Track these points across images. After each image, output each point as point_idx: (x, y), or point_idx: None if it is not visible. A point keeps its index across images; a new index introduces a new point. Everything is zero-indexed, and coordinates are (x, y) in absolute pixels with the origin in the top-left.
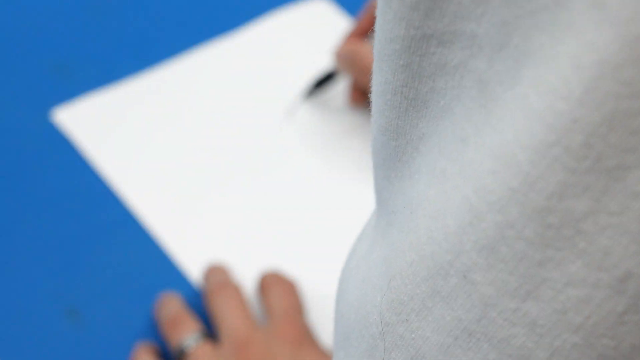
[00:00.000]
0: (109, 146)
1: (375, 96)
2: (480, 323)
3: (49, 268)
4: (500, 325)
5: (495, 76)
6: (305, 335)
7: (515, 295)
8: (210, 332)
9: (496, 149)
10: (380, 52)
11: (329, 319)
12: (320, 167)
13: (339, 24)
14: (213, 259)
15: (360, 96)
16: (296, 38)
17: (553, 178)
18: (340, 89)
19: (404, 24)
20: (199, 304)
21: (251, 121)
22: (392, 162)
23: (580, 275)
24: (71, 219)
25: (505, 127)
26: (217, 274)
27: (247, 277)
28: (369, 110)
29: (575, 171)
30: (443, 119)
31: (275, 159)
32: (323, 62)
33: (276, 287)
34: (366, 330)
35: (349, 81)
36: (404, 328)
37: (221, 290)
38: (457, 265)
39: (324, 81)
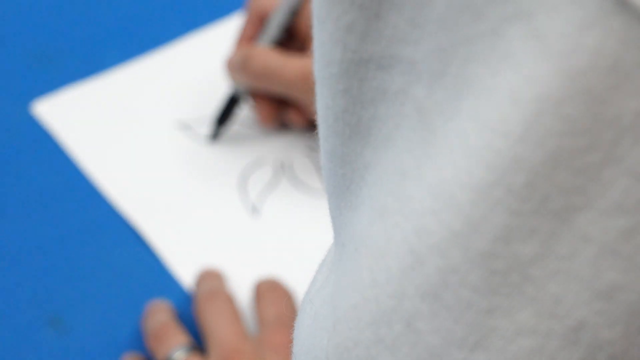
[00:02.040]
0: (93, 141)
1: (319, 120)
2: None
3: (29, 272)
4: None
5: (435, 106)
6: None
7: (462, 346)
8: (200, 344)
9: (436, 187)
10: (319, 74)
11: None
12: (317, 170)
13: None
14: (206, 264)
15: (270, 110)
16: None
17: (496, 221)
18: None
19: (340, 46)
20: (190, 312)
21: (244, 114)
22: (340, 190)
23: (530, 324)
24: (53, 220)
25: (444, 164)
26: (209, 281)
27: (243, 285)
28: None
29: (520, 214)
30: (385, 149)
31: (275, 157)
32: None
33: (270, 294)
34: None
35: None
36: None
37: (211, 299)
38: (400, 311)
39: (227, 112)
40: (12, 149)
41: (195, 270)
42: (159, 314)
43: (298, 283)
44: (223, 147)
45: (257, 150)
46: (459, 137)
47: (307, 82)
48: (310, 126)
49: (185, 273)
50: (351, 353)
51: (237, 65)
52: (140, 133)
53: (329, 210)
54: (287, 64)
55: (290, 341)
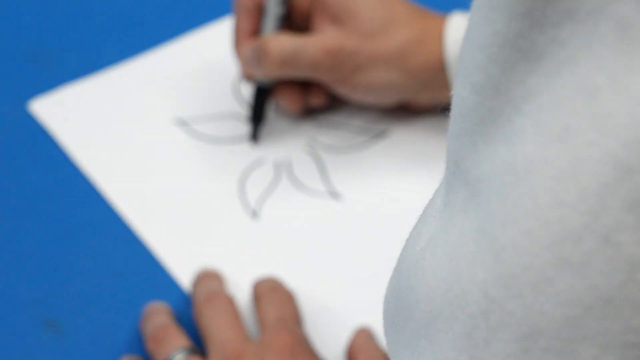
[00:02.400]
0: (90, 140)
1: (472, 50)
2: (624, 288)
3: (24, 272)
4: None
5: None
6: (300, 346)
7: None
8: (200, 347)
9: None
10: (492, 0)
11: (328, 329)
12: (320, 168)
13: None
14: (205, 264)
15: (296, 95)
16: None
17: None
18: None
19: None
20: (191, 314)
21: (244, 112)
22: (483, 125)
23: None
24: (50, 220)
25: None
26: (208, 282)
27: (242, 287)
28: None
29: None
30: (561, 74)
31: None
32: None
33: (270, 295)
34: (461, 310)
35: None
36: (515, 304)
37: (211, 301)
38: (596, 227)
39: (260, 104)
40: (9, 148)
41: (194, 272)
42: (157, 316)
43: (299, 284)
44: (223, 147)
45: (256, 150)
46: None
47: (332, 58)
48: (332, 104)
49: (184, 274)
50: (519, 280)
51: (255, 59)
52: (138, 132)
53: (448, 154)
54: (306, 45)
55: (293, 343)
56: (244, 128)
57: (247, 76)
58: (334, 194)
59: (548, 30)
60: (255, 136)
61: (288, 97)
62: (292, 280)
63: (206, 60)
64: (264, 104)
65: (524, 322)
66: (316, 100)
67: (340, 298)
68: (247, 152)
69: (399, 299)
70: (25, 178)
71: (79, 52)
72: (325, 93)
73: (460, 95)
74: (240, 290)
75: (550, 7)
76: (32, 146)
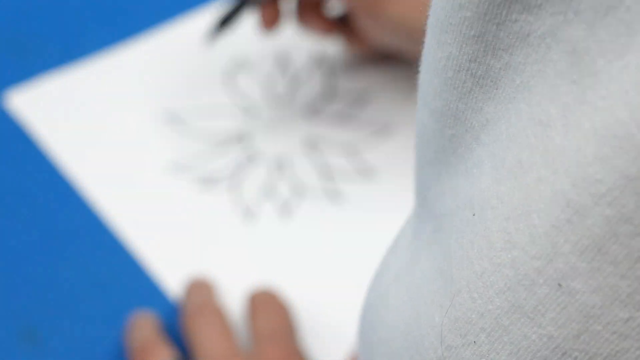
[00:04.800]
0: (71, 136)
1: (428, 75)
2: (580, 339)
3: (1, 280)
4: (607, 339)
5: (595, 46)
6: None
7: (628, 303)
8: None
9: (603, 131)
10: (443, 22)
11: (326, 341)
12: (320, 167)
13: None
14: (195, 272)
15: (275, 15)
16: None
17: None
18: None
19: None
20: (179, 325)
21: (234, 105)
22: (445, 155)
23: None
24: (27, 224)
25: (614, 105)
26: (198, 293)
27: (235, 296)
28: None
29: None
30: (516, 101)
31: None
32: None
33: (264, 307)
34: (419, 356)
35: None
36: (470, 352)
37: (200, 311)
38: (548, 272)
39: (229, 16)
40: None
41: (183, 280)
42: (143, 328)
43: (296, 292)
44: (214, 143)
45: (252, 147)
46: (635, 73)
47: None
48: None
49: (172, 283)
50: (475, 326)
51: None
52: (123, 127)
53: (415, 183)
54: None
55: (286, 357)
56: (237, 122)
57: None
58: (334, 195)
59: (502, 55)
60: (213, 37)
61: (267, 14)
62: (289, 289)
63: (195, 49)
64: (238, 13)
65: None
66: (351, 39)
67: (340, 308)
68: (241, 149)
69: (363, 335)
70: (0, 178)
71: (58, 40)
72: (359, 38)
73: (421, 121)
74: (233, 300)
75: (502, 30)
76: (8, 143)
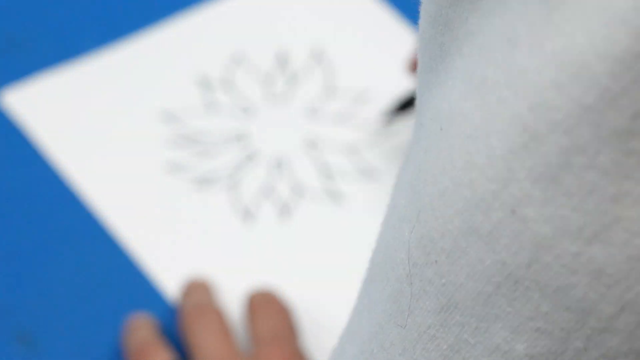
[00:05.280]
0: (67, 135)
1: None
2: (531, 269)
3: None
4: (557, 272)
5: None
6: None
7: (578, 237)
8: None
9: (562, 56)
10: None
11: (328, 343)
12: (317, 171)
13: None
14: (193, 273)
15: None
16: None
17: (638, 95)
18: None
19: None
20: (177, 328)
21: (233, 104)
22: (435, 62)
23: None
24: (22, 224)
25: (575, 30)
26: (196, 294)
27: (234, 297)
28: None
29: None
30: (494, 15)
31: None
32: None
33: (265, 308)
34: (392, 271)
35: None
36: (433, 271)
37: (199, 314)
38: (503, 197)
39: (408, 103)
40: None
41: (181, 281)
42: (140, 330)
43: (296, 294)
44: (212, 143)
45: (250, 146)
46: (599, 0)
47: None
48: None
49: (170, 283)
50: (436, 245)
51: None
52: (120, 126)
53: (417, 90)
54: None
55: (287, 359)
56: (235, 121)
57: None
58: (334, 195)
59: None
60: (388, 123)
61: None
62: (289, 290)
63: (195, 47)
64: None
65: (441, 292)
66: None
67: (342, 309)
68: (240, 149)
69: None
70: None
71: (54, 38)
72: None
73: (421, 24)
74: (232, 302)
75: None
76: (3, 142)
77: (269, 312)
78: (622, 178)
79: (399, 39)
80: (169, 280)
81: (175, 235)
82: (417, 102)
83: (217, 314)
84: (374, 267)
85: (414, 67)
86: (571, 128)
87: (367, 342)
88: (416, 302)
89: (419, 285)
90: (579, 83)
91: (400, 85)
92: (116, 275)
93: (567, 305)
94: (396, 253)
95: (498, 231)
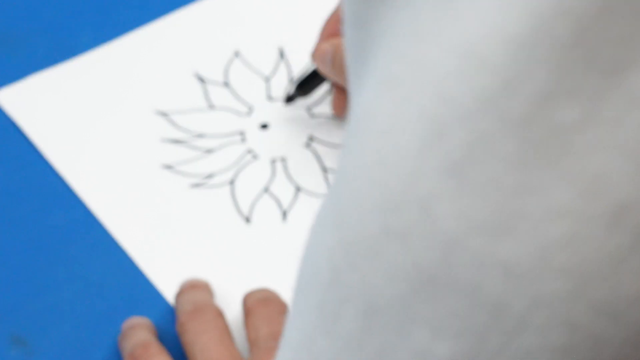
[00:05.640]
0: (63, 134)
1: None
2: (443, 268)
3: None
4: (468, 269)
5: None
6: None
7: (485, 232)
8: None
9: (461, 46)
10: None
11: None
12: (321, 167)
13: None
14: (191, 274)
15: (345, 104)
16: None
17: (535, 80)
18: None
19: None
20: (174, 330)
21: (231, 104)
22: (358, 62)
23: (565, 204)
24: (17, 224)
25: (471, 20)
26: (194, 294)
27: (232, 298)
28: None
29: (563, 71)
30: (401, 10)
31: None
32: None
33: (262, 309)
34: (316, 279)
35: (332, 88)
36: (354, 276)
37: (197, 314)
38: (413, 194)
39: (306, 82)
40: None
41: (179, 282)
42: (137, 333)
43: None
44: (210, 142)
45: (249, 146)
46: None
47: None
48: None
49: (167, 285)
50: (354, 248)
51: (326, 58)
52: (116, 126)
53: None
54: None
55: None
56: (234, 121)
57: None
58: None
59: None
60: (291, 99)
61: (338, 102)
62: (288, 291)
63: (193, 44)
64: (314, 82)
65: (363, 296)
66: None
67: None
68: (239, 148)
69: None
70: None
71: (49, 36)
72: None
73: (345, 27)
74: (230, 303)
75: None
76: None
77: (268, 313)
78: (523, 168)
79: None
80: (166, 281)
81: (173, 236)
82: (351, 101)
83: (214, 315)
84: (301, 275)
85: (314, 53)
86: (473, 119)
87: (297, 351)
88: (340, 308)
89: (342, 291)
90: (478, 71)
91: None
92: (113, 276)
93: (481, 304)
94: (320, 259)
95: (410, 230)
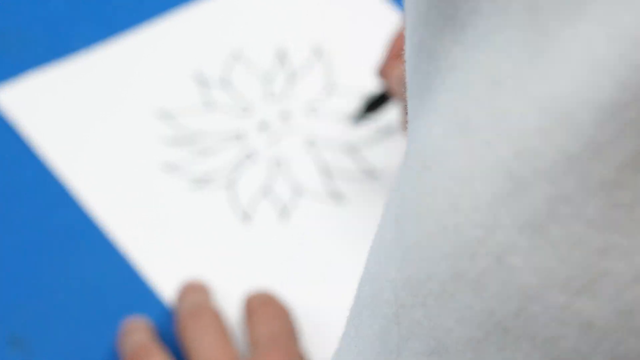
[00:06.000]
0: (61, 134)
1: (408, 6)
2: (519, 318)
3: None
4: (545, 322)
5: (550, 4)
6: None
7: (565, 288)
8: None
9: (546, 102)
10: None
11: (328, 346)
12: (317, 170)
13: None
14: (190, 275)
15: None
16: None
17: (625, 145)
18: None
19: None
20: (174, 331)
21: (231, 102)
22: (421, 90)
23: None
24: (15, 225)
25: (560, 76)
26: (193, 295)
27: (231, 300)
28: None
29: None
30: (477, 51)
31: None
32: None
33: (263, 310)
34: (379, 309)
35: (399, 105)
36: (421, 313)
37: (196, 316)
38: (489, 244)
39: (376, 104)
40: None
41: (178, 283)
42: (136, 334)
43: (295, 296)
44: (210, 142)
45: (248, 145)
46: (583, 45)
47: None
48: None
49: (166, 286)
50: (423, 287)
51: (399, 80)
52: (115, 125)
53: (407, 111)
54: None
55: None
56: (234, 121)
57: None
58: (334, 195)
59: None
60: (359, 119)
61: (403, 119)
62: (288, 292)
63: (192, 44)
64: (382, 104)
65: (430, 335)
66: None
67: (342, 312)
68: (238, 148)
69: None
70: None
71: (47, 35)
72: None
73: (406, 49)
74: (230, 304)
75: None
76: None
77: (268, 314)
78: (609, 230)
79: None
80: (166, 282)
81: (172, 236)
82: (408, 126)
83: (214, 317)
84: (360, 299)
85: (382, 72)
86: (556, 177)
87: None
88: (405, 343)
89: (407, 326)
90: (564, 131)
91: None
92: (111, 276)
93: (557, 357)
94: (382, 291)
95: (485, 278)
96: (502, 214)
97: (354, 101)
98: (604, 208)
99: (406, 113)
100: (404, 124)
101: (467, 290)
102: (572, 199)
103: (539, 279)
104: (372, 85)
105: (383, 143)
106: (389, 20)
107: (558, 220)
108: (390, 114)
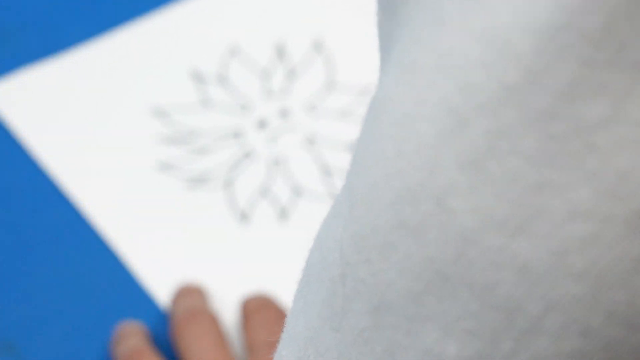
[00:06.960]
0: (54, 132)
1: None
2: (458, 264)
3: None
4: (483, 268)
5: None
6: None
7: (502, 229)
8: None
9: (486, 34)
10: None
11: None
12: (316, 169)
13: None
14: (186, 278)
15: None
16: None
17: (562, 73)
18: None
19: None
20: (169, 335)
21: (228, 99)
22: (386, 47)
23: (587, 205)
24: (6, 226)
25: (499, 5)
26: (189, 299)
27: (228, 303)
28: None
29: (591, 64)
30: None
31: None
32: None
33: (261, 314)
34: (326, 272)
35: None
36: (365, 270)
37: (192, 320)
38: (430, 187)
39: None
40: None
41: (173, 285)
42: (131, 338)
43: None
44: (207, 140)
45: (247, 144)
46: None
47: None
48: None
49: (161, 289)
50: (367, 242)
51: None
52: (109, 123)
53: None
54: None
55: None
56: (231, 119)
57: None
58: (334, 194)
59: None
60: None
61: None
62: (286, 294)
63: (188, 39)
64: None
65: (374, 292)
66: None
67: None
68: (236, 147)
69: None
70: None
71: (40, 30)
72: None
73: (377, 17)
74: (227, 308)
75: None
76: None
77: (265, 318)
78: (545, 165)
79: None
80: (161, 284)
81: (168, 237)
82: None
83: (210, 320)
84: (309, 268)
85: None
86: (496, 110)
87: (303, 347)
88: (349, 303)
89: (352, 286)
90: (504, 61)
91: None
92: (105, 279)
93: (494, 304)
94: (330, 252)
95: (425, 224)
96: (443, 154)
97: (356, 98)
98: (540, 141)
99: None
100: None
101: (409, 238)
102: (510, 132)
103: (477, 220)
104: (375, 81)
105: None
106: None
107: (496, 156)
108: None
